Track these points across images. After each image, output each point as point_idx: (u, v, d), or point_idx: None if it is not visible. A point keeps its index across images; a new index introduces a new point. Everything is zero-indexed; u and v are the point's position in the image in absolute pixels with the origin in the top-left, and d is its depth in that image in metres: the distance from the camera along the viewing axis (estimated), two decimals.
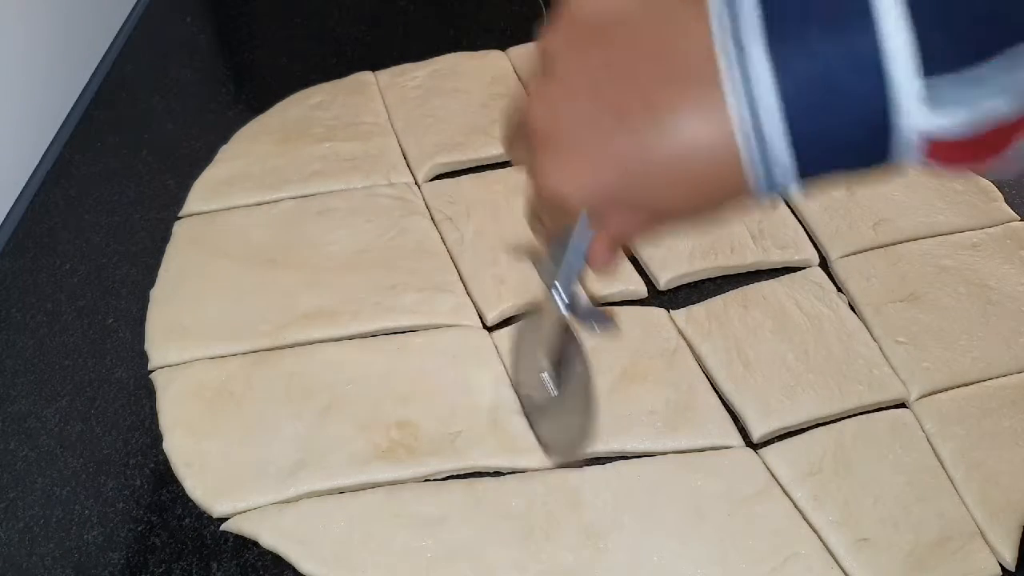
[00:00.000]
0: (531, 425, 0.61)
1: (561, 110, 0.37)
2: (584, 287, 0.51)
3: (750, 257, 0.73)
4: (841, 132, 0.32)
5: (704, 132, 0.34)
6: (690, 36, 0.34)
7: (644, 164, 0.35)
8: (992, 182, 0.78)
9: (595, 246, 0.45)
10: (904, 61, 0.30)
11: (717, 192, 0.36)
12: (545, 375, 0.57)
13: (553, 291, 0.50)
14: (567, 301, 0.50)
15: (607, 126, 0.36)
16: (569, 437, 0.57)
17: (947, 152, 0.32)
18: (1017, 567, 0.58)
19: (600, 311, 0.52)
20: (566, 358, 0.57)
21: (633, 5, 0.36)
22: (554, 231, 0.45)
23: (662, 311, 0.70)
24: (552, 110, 0.38)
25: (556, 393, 0.57)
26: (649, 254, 0.73)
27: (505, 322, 0.70)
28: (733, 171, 0.34)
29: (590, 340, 0.59)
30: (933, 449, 0.62)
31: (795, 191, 0.34)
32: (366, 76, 0.89)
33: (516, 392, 0.65)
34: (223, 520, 0.60)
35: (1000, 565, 0.58)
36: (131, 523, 0.60)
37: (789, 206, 0.77)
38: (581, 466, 0.62)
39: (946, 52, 0.30)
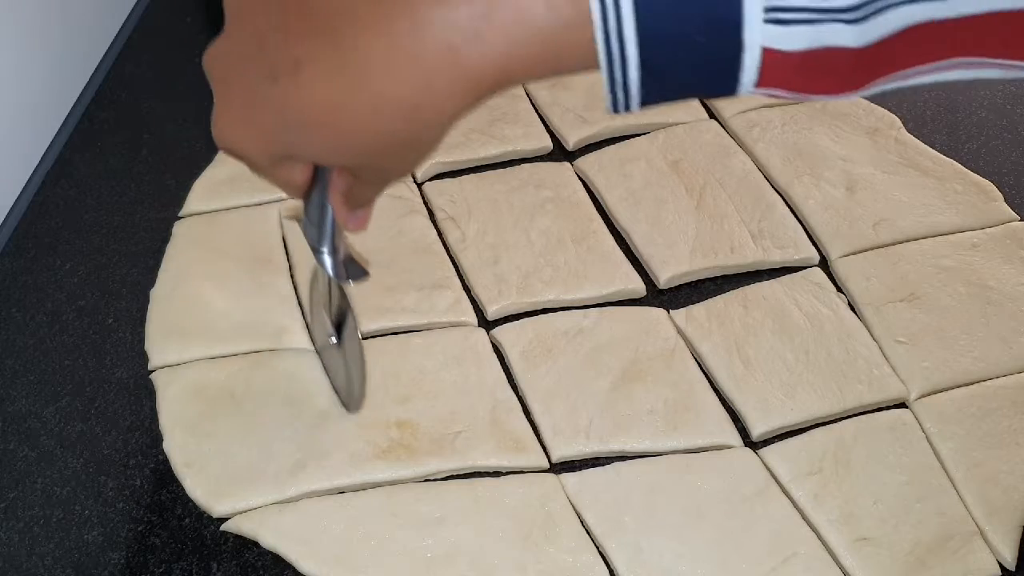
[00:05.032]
0: (328, 378, 0.65)
1: (229, 63, 0.38)
2: (344, 241, 0.53)
3: (750, 257, 0.73)
4: (689, 48, 0.31)
5: (375, 77, 0.34)
6: None
7: (299, 115, 0.36)
8: (992, 182, 0.78)
9: (334, 203, 0.47)
10: None
11: (392, 141, 0.36)
12: (328, 329, 0.62)
13: (314, 250, 0.53)
14: (329, 258, 0.53)
15: (263, 78, 0.36)
16: (350, 388, 0.62)
17: (789, 75, 0.32)
18: (1017, 567, 0.58)
19: (355, 263, 0.55)
20: (343, 312, 0.61)
21: None
22: (299, 190, 0.46)
23: (661, 311, 0.70)
24: (223, 62, 0.38)
25: (338, 346, 0.62)
26: (649, 253, 0.73)
27: (506, 319, 0.70)
28: (410, 114, 0.34)
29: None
30: (933, 449, 0.62)
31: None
32: None
33: (313, 346, 0.67)
34: (223, 520, 0.60)
35: (1000, 565, 0.58)
36: (131, 523, 0.60)
37: (789, 206, 0.77)
38: (580, 467, 0.62)
39: None
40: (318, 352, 0.66)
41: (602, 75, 0.32)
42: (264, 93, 0.36)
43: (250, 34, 0.37)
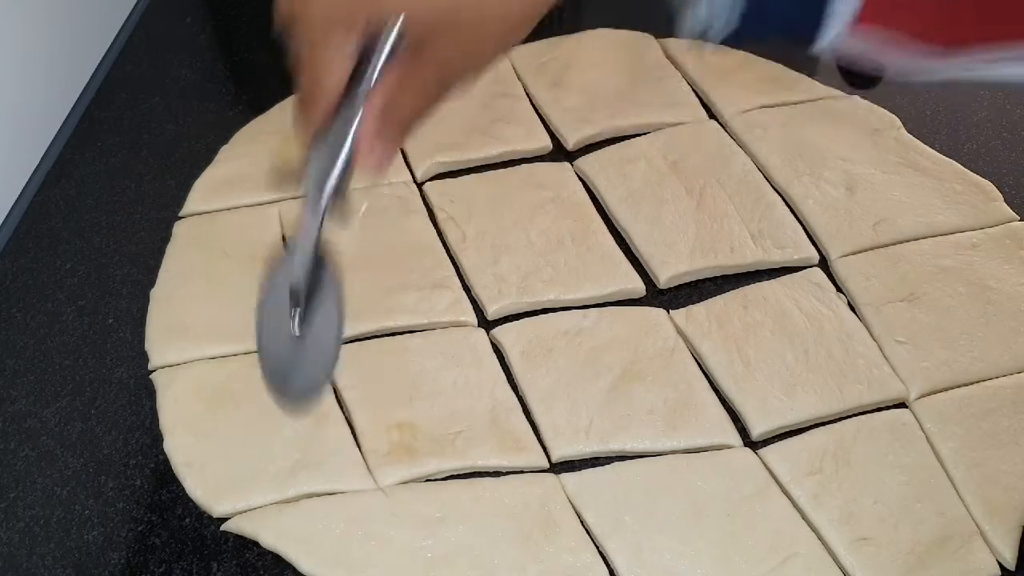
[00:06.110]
0: (263, 371, 0.53)
1: None
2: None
3: (750, 257, 0.73)
4: None
5: None
6: None
7: None
8: (992, 182, 0.78)
9: (366, 120, 0.41)
10: None
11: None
12: (292, 313, 0.52)
13: (312, 201, 0.47)
14: (328, 200, 0.46)
15: None
16: (304, 384, 0.53)
17: (884, 16, 0.31)
18: (1017, 567, 0.58)
19: (348, 204, 0.48)
20: (316, 296, 0.52)
21: None
22: (329, 94, 0.41)
23: (661, 311, 0.70)
24: None
25: (298, 333, 0.52)
26: (649, 253, 0.73)
27: (506, 319, 0.70)
28: None
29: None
30: (933, 449, 0.62)
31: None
32: None
33: (256, 333, 0.54)
34: (223, 520, 0.60)
35: (1000, 565, 0.58)
36: (131, 523, 0.60)
37: (789, 206, 0.77)
38: (580, 468, 0.62)
39: None
40: (260, 345, 0.54)
41: None
42: None
43: None
